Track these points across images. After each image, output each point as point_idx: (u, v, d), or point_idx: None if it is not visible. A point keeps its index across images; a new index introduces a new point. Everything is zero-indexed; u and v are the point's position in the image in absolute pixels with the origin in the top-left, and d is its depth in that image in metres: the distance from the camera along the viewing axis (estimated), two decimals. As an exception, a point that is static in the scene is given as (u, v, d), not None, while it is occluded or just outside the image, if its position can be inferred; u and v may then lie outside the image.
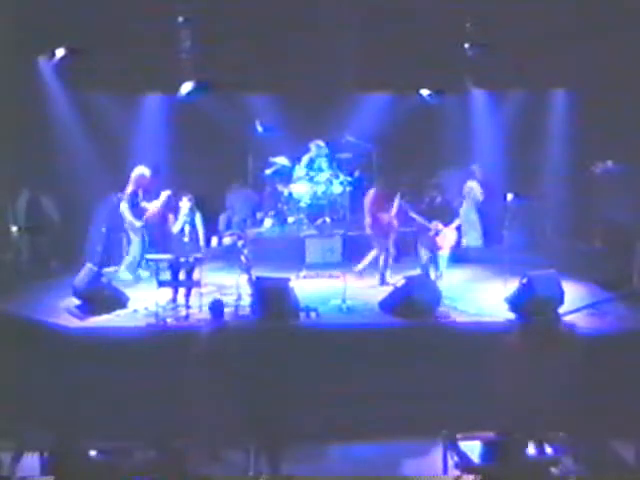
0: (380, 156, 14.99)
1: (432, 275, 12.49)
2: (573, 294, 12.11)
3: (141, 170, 13.29)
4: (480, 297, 12.36)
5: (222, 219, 15.31)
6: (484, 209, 14.79)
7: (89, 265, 12.40)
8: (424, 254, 12.62)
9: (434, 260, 12.59)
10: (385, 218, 12.76)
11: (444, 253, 12.66)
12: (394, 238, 13.01)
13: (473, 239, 14.76)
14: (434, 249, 12.58)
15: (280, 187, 14.80)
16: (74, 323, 11.43)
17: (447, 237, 12.59)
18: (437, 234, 12.51)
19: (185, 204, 12.13)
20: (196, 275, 12.04)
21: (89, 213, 14.49)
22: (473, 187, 14.79)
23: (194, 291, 11.94)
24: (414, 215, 12.62)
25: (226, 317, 10.67)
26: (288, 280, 11.86)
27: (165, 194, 12.49)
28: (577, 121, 14.58)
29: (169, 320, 11.50)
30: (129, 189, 13.12)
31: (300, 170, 14.77)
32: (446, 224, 12.52)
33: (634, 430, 9.56)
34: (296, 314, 11.49)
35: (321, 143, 14.56)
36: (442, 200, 12.67)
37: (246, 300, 11.92)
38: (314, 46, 14.20)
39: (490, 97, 15.43)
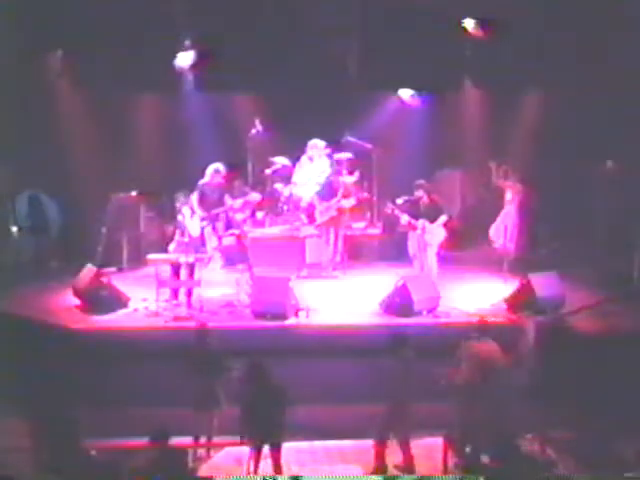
0: (380, 156, 14.97)
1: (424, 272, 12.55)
2: (573, 294, 12.12)
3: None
4: (480, 297, 12.38)
5: (222, 219, 15.28)
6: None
7: (89, 265, 12.41)
8: (413, 252, 12.69)
9: (423, 258, 12.61)
10: None
11: (432, 250, 12.66)
12: None
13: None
14: (422, 247, 12.61)
15: (280, 187, 14.79)
16: (74, 323, 11.44)
17: (434, 235, 12.60)
18: (424, 232, 12.54)
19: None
20: (197, 275, 12.07)
21: (89, 213, 14.49)
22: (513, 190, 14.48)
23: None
24: (399, 214, 12.68)
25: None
26: (288, 280, 11.87)
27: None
28: (577, 121, 14.56)
29: (169, 320, 11.51)
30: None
31: (300, 170, 14.75)
32: (432, 222, 12.54)
33: (634, 430, 9.58)
34: (296, 314, 11.52)
35: (321, 143, 14.55)
36: (428, 199, 12.67)
37: (246, 300, 11.94)
38: (315, 46, 14.20)
39: (490, 97, 15.42)
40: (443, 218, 12.60)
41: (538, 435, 9.47)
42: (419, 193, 12.63)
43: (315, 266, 13.76)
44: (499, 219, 14.24)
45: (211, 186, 13.38)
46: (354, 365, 10.69)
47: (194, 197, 12.82)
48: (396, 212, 12.68)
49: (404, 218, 12.63)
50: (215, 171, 13.42)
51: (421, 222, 12.54)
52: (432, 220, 12.53)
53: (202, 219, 12.65)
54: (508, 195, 14.28)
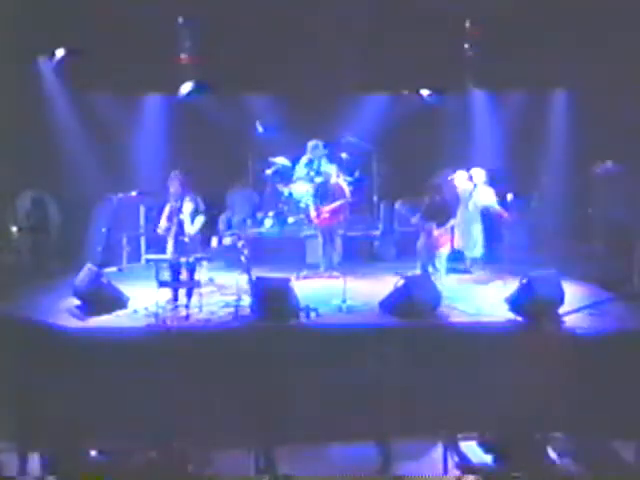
0: (380, 156, 14.99)
1: (432, 275, 12.51)
2: (573, 294, 12.12)
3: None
4: (480, 297, 12.38)
5: (222, 219, 15.31)
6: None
7: (89, 265, 12.40)
8: (423, 254, 12.67)
9: (432, 260, 12.60)
10: None
11: (443, 253, 12.66)
12: None
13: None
14: (433, 249, 12.59)
15: (280, 187, 14.80)
16: (74, 323, 11.43)
17: (444, 237, 12.59)
18: (435, 234, 12.52)
19: (187, 204, 12.14)
20: (197, 275, 12.07)
21: (89, 213, 14.50)
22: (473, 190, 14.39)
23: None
24: (410, 215, 12.68)
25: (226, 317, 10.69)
26: (288, 280, 11.87)
27: None
28: (577, 121, 14.57)
29: (169, 320, 11.50)
30: None
31: (300, 170, 14.77)
32: (441, 225, 12.52)
33: (634, 430, 9.57)
34: (296, 314, 11.51)
35: (320, 143, 14.55)
36: (438, 200, 12.65)
37: (246, 300, 11.94)
38: (314, 46, 14.21)
39: (490, 97, 15.43)
40: (453, 221, 12.60)
41: (539, 435, 9.48)
42: (428, 194, 12.61)
43: (315, 266, 13.77)
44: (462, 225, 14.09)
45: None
46: (354, 365, 10.68)
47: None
48: (404, 212, 12.66)
49: (415, 218, 12.61)
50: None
51: (431, 224, 12.52)
52: (442, 222, 12.51)
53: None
54: (465, 195, 14.04)
